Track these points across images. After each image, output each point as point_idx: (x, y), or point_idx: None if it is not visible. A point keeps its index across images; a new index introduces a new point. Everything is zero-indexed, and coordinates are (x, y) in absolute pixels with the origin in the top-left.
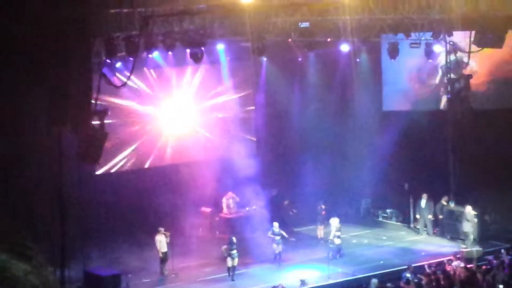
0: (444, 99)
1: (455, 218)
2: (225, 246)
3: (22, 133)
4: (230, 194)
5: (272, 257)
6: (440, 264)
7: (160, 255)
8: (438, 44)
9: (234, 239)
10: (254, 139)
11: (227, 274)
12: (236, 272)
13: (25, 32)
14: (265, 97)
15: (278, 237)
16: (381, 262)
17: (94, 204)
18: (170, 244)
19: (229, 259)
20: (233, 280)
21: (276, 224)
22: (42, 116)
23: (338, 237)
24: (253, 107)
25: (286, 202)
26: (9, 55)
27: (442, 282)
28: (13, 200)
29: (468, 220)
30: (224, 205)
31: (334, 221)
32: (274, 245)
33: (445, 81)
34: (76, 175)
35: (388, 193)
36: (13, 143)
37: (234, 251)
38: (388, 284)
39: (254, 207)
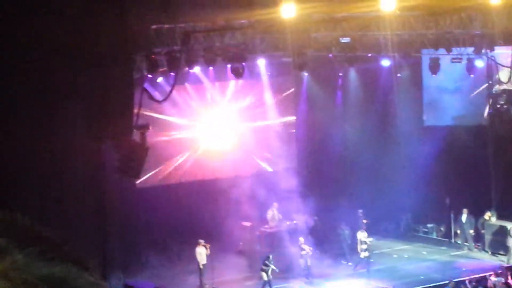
0: (486, 114)
1: (497, 233)
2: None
3: (64, 148)
4: (275, 205)
5: (304, 271)
6: (481, 280)
7: (200, 267)
8: (479, 59)
9: (271, 257)
10: (295, 153)
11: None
12: (275, 286)
13: (66, 48)
14: (306, 112)
15: (305, 252)
16: (422, 277)
17: (134, 217)
18: (210, 257)
19: (263, 274)
20: None
21: (301, 239)
22: (84, 130)
23: (365, 250)
24: (294, 120)
25: (315, 218)
26: (50, 70)
27: None
28: (54, 214)
29: (511, 236)
30: (269, 216)
31: (361, 235)
32: (301, 261)
33: (487, 95)
34: (117, 188)
35: (429, 208)
36: (54, 157)
37: (269, 268)
38: None
39: (294, 221)
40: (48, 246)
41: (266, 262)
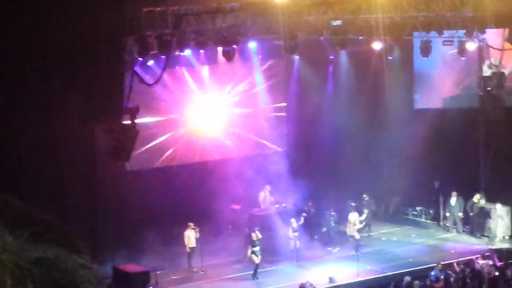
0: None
1: (486, 216)
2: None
3: (55, 131)
4: (267, 187)
5: (293, 254)
6: (469, 262)
7: (188, 250)
8: (471, 42)
9: (254, 236)
10: (285, 137)
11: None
12: (264, 269)
13: (58, 31)
14: (297, 95)
15: (296, 234)
16: (410, 259)
17: (124, 200)
18: (199, 241)
19: (254, 257)
20: (257, 278)
21: (293, 220)
22: (75, 114)
23: (358, 231)
24: (285, 104)
25: (310, 203)
26: (42, 54)
27: (470, 280)
28: (46, 197)
29: (498, 218)
30: (260, 199)
31: (353, 216)
32: (291, 242)
33: (478, 78)
34: (108, 172)
35: (418, 191)
36: (46, 141)
37: (257, 248)
38: (416, 282)
39: (284, 205)
40: (39, 228)
41: (254, 241)
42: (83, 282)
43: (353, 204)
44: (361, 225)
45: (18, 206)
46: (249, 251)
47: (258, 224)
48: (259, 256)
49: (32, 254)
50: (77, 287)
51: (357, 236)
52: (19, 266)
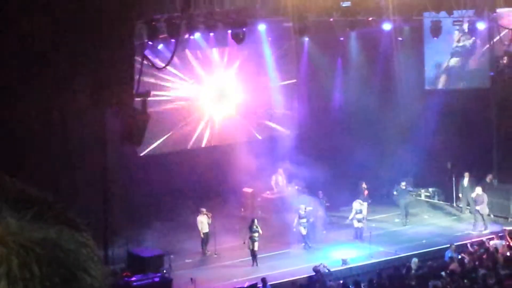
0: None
1: (499, 196)
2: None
3: (65, 116)
4: (280, 171)
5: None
6: (483, 243)
7: (202, 236)
8: (481, 22)
9: (256, 221)
10: (296, 119)
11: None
12: (277, 252)
13: (67, 15)
14: (307, 77)
15: (304, 220)
16: (423, 241)
17: (137, 185)
18: (212, 225)
19: (301, 228)
20: (256, 265)
21: (302, 206)
22: (86, 99)
23: (359, 220)
24: (295, 87)
25: (320, 193)
26: (51, 37)
27: (485, 261)
28: (58, 182)
29: (475, 201)
30: (273, 182)
31: (355, 204)
32: (301, 228)
33: (489, 58)
34: (119, 156)
35: (431, 172)
36: (56, 125)
37: (256, 235)
38: (429, 263)
39: (296, 187)
40: (41, 208)
41: (254, 227)
42: (86, 261)
43: (364, 186)
44: (361, 215)
45: (18, 186)
46: (295, 222)
47: (270, 206)
48: (256, 243)
49: (35, 235)
50: (81, 266)
51: (356, 224)
52: (24, 246)
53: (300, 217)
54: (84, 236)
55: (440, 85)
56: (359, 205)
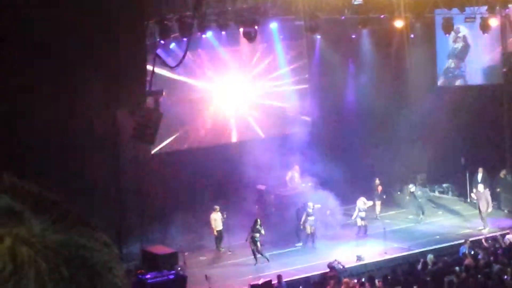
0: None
1: None
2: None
3: (79, 114)
4: (296, 167)
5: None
6: (497, 238)
7: (215, 233)
8: (493, 18)
9: (259, 222)
10: (309, 118)
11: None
12: (292, 249)
13: (78, 15)
14: (319, 74)
15: (312, 218)
16: (437, 237)
17: (150, 183)
18: (225, 222)
19: (251, 242)
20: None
21: (311, 204)
22: (97, 98)
23: (362, 218)
24: (307, 85)
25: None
26: (63, 37)
27: (499, 256)
28: (71, 181)
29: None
30: (287, 178)
31: (359, 202)
32: (308, 226)
33: (501, 54)
34: (133, 154)
35: (444, 168)
36: (69, 124)
37: (257, 235)
38: (445, 258)
39: (309, 184)
40: (60, 210)
41: (257, 227)
42: (109, 260)
43: (378, 182)
44: (364, 214)
45: (37, 189)
46: (303, 219)
47: (284, 203)
48: (258, 243)
49: (59, 237)
50: (105, 265)
51: (359, 222)
52: (50, 248)
53: (308, 215)
54: (103, 236)
55: (452, 82)
56: (363, 204)
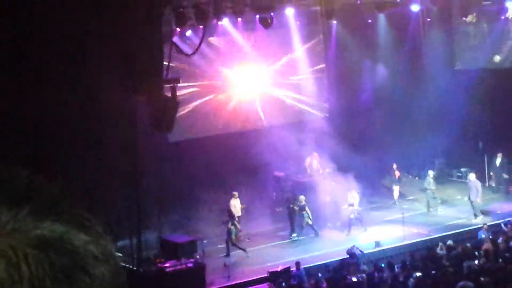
0: None
1: None
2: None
3: (96, 102)
4: (315, 154)
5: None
6: None
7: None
8: (510, 1)
9: (302, 199)
10: (326, 104)
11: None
12: (308, 236)
13: (95, 3)
14: (336, 60)
15: (302, 211)
16: (456, 221)
17: (168, 172)
18: (243, 209)
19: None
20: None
21: (302, 197)
22: (115, 86)
23: (351, 211)
24: (324, 71)
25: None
26: (80, 26)
27: None
28: (90, 172)
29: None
30: (306, 164)
31: (349, 195)
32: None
33: None
34: (151, 143)
35: (462, 152)
36: (87, 112)
37: (232, 227)
38: (464, 244)
39: (327, 170)
40: (43, 202)
41: (230, 218)
42: (86, 260)
43: (395, 167)
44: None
45: (24, 177)
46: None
47: (302, 190)
48: (233, 234)
49: (30, 234)
50: (78, 266)
51: (350, 215)
52: (14, 248)
53: (301, 209)
54: (91, 234)
55: (470, 66)
56: (352, 198)
